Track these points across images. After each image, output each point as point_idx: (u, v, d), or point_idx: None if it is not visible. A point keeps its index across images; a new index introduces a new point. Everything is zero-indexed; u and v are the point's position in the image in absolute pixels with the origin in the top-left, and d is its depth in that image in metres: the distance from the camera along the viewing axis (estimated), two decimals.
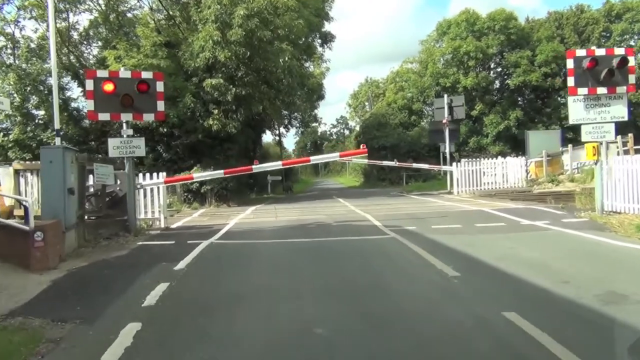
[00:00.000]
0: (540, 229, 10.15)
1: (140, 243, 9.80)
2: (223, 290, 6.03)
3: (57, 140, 10.45)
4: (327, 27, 29.29)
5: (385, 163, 25.21)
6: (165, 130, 21.13)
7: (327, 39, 29.63)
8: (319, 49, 30.14)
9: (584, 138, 11.71)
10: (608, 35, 41.24)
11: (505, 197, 19.29)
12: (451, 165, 23.46)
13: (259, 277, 6.69)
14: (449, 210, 14.71)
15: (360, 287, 5.96)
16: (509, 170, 22.18)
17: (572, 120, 11.80)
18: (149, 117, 11.21)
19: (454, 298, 5.40)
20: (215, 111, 20.93)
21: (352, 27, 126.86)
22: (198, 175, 14.67)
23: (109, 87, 10.26)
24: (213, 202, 20.99)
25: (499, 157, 23.49)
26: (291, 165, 16.13)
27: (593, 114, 11.49)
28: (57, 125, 10.29)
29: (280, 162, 13.08)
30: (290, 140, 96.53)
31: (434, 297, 5.44)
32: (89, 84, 10.33)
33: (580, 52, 11.54)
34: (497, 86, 43.02)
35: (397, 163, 22.27)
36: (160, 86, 10.72)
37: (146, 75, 10.87)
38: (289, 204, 20.80)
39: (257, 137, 29.60)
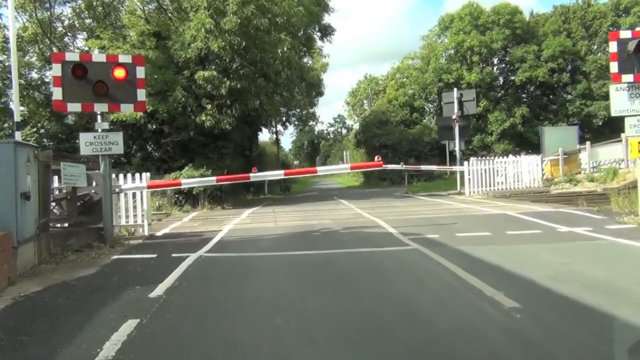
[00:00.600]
0: (586, 238, 8.66)
1: (116, 257, 8.25)
2: (209, 333, 4.48)
3: (17, 135, 8.91)
4: (327, 19, 27.70)
5: (391, 167, 23.52)
6: (154, 127, 19.58)
7: (327, 31, 27.97)
8: (319, 42, 28.53)
9: (627, 132, 10.29)
10: (616, 29, 39.82)
11: (523, 198, 17.83)
12: (461, 164, 22.03)
13: (257, 309, 5.14)
14: (467, 213, 13.23)
15: (392, 329, 4.41)
16: (523, 169, 20.73)
17: (615, 112, 10.36)
18: (127, 108, 9.64)
19: (531, 350, 3.88)
20: (209, 106, 19.36)
21: (349, 26, 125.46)
22: (187, 181, 12.92)
23: (79, 72, 8.72)
24: (206, 205, 19.44)
25: (510, 156, 21.99)
26: (295, 175, 13.58)
27: (638, 105, 10.06)
28: (16, 117, 8.77)
29: (282, 172, 11.28)
30: (286, 139, 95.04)
31: (503, 347, 3.92)
32: (56, 69, 8.77)
33: (625, 34, 10.10)
34: (501, 82, 41.53)
35: (404, 166, 20.57)
36: (140, 72, 9.17)
37: (124, 59, 9.30)
38: (289, 206, 19.30)
39: (253, 135, 28.01)
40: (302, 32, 24.06)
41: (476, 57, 38.59)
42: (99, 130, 9.21)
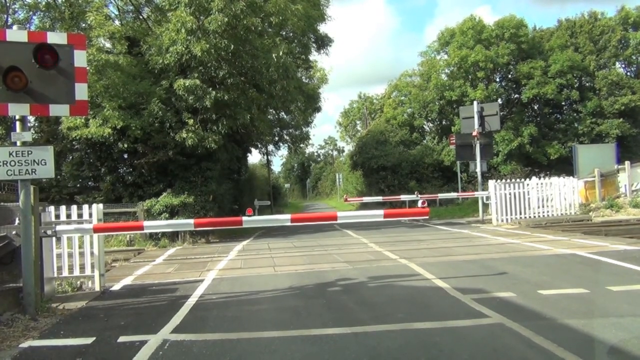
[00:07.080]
0: None
1: (27, 345, 5.13)
2: None
3: None
4: (323, 28, 24.91)
5: (405, 197, 20.67)
6: (125, 145, 16.49)
7: (324, 42, 25.14)
8: (315, 54, 25.66)
9: None
10: (626, 44, 37.87)
11: (565, 228, 14.99)
12: (482, 186, 19.20)
13: None
14: (523, 253, 10.24)
15: None
16: (555, 194, 17.93)
17: None
18: (60, 110, 6.51)
19: None
20: (191, 121, 16.36)
21: (331, 50, 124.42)
22: (151, 224, 9.57)
23: None
24: (188, 238, 16.34)
25: (540, 178, 19.03)
26: (302, 222, 9.14)
27: None
28: None
29: (287, 217, 7.84)
30: (275, 160, 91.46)
31: None
32: None
33: None
34: (507, 100, 39.07)
35: (419, 196, 17.57)
36: (79, 58, 6.19)
37: (55, 37, 6.31)
38: (286, 239, 16.26)
39: (243, 155, 24.95)
40: (298, 41, 21.28)
41: (481, 73, 36.16)
42: (18, 143, 6.20)
